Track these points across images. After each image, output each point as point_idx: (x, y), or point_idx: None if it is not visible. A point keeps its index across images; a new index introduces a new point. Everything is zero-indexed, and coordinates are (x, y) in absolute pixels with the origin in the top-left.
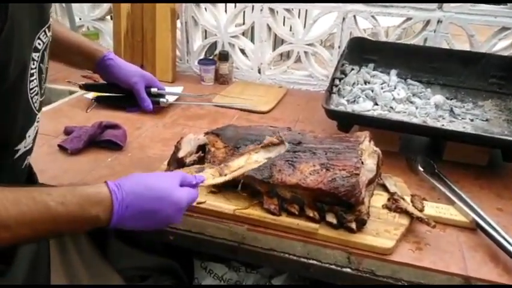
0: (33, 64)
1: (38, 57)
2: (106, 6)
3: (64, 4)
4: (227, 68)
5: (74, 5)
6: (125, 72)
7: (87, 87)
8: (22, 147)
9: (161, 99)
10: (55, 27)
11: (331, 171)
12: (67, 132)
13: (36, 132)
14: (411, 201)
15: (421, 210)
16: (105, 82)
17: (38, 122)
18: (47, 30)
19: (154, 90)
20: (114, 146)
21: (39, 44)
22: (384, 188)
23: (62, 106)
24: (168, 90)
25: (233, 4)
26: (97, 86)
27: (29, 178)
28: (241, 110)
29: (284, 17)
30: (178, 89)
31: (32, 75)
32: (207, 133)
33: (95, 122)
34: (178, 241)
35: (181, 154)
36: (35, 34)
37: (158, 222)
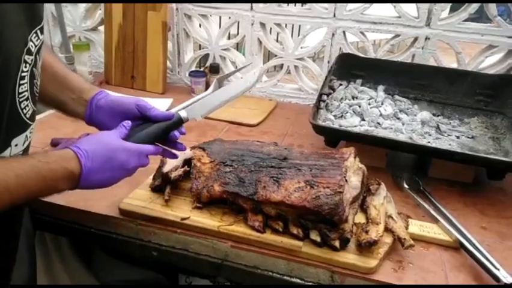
0: (26, 67)
1: (32, 60)
2: (98, 17)
3: (55, 14)
4: None
5: (66, 15)
6: (124, 99)
7: None
8: (7, 156)
9: None
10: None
11: (315, 188)
12: (54, 144)
13: (29, 144)
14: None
15: (406, 228)
16: None
17: (31, 132)
18: (39, 32)
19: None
20: None
21: (32, 46)
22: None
23: (50, 117)
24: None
25: (226, 17)
26: None
27: None
28: (230, 122)
29: (278, 33)
30: (167, 101)
31: (22, 78)
32: (193, 147)
33: (82, 134)
34: (161, 257)
35: (166, 169)
36: (28, 34)
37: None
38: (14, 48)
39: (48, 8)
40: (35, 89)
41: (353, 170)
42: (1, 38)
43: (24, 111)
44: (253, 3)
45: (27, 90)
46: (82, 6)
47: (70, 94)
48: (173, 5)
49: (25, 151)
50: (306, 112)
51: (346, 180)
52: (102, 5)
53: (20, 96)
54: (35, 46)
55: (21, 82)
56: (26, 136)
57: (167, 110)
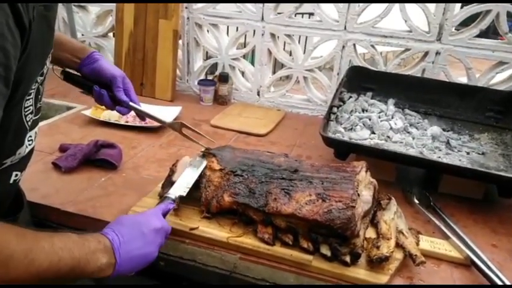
0: (34, 85)
1: (41, 80)
2: (109, 23)
3: (67, 20)
4: (226, 90)
5: (77, 21)
6: (111, 66)
7: (67, 75)
8: (8, 162)
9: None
10: None
11: (327, 202)
12: (62, 149)
13: (31, 150)
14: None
15: (416, 244)
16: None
17: (30, 140)
18: (50, 55)
19: (131, 103)
20: (109, 166)
21: (45, 68)
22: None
23: (59, 122)
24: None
25: (235, 27)
26: (77, 77)
27: (16, 197)
28: (239, 132)
29: (285, 42)
30: (176, 109)
31: (29, 94)
32: (203, 152)
33: (91, 140)
34: (169, 267)
35: (175, 178)
36: (44, 60)
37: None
38: (33, 76)
39: (60, 14)
40: (39, 102)
41: (364, 184)
42: (29, 66)
43: (29, 123)
44: (264, 15)
45: (32, 105)
46: (93, 12)
47: (66, 54)
48: (185, 14)
49: (27, 157)
50: (315, 123)
51: (358, 195)
52: (113, 11)
53: (26, 110)
54: (47, 67)
55: (28, 98)
56: (27, 144)
57: (175, 118)
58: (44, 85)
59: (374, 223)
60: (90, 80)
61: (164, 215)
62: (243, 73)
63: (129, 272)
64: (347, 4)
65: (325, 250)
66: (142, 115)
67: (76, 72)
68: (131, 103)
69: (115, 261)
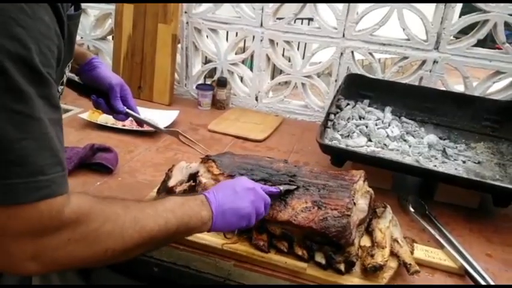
0: None
1: (61, 88)
2: (107, 26)
3: None
4: (224, 94)
5: None
6: (109, 74)
7: (66, 81)
8: None
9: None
10: None
11: (323, 209)
12: None
13: None
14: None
15: (411, 253)
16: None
17: None
18: (70, 64)
19: (128, 111)
20: (104, 169)
21: (64, 77)
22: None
23: None
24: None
25: (234, 32)
26: (76, 83)
27: None
28: (236, 137)
29: (283, 48)
30: (174, 113)
31: None
32: (203, 158)
33: (87, 144)
34: (162, 273)
35: (171, 183)
36: (64, 68)
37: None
38: (57, 84)
39: None
40: None
41: (361, 193)
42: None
43: None
44: (263, 20)
45: None
46: (93, 15)
47: None
48: (184, 18)
49: None
50: (312, 129)
51: (354, 203)
52: (112, 14)
53: None
54: (65, 76)
55: None
56: None
57: (173, 122)
58: (60, 92)
59: (369, 231)
60: (88, 87)
61: (266, 193)
62: (241, 78)
63: (225, 228)
64: (346, 11)
65: (320, 258)
66: (139, 122)
67: (75, 78)
68: (128, 110)
69: (212, 213)
